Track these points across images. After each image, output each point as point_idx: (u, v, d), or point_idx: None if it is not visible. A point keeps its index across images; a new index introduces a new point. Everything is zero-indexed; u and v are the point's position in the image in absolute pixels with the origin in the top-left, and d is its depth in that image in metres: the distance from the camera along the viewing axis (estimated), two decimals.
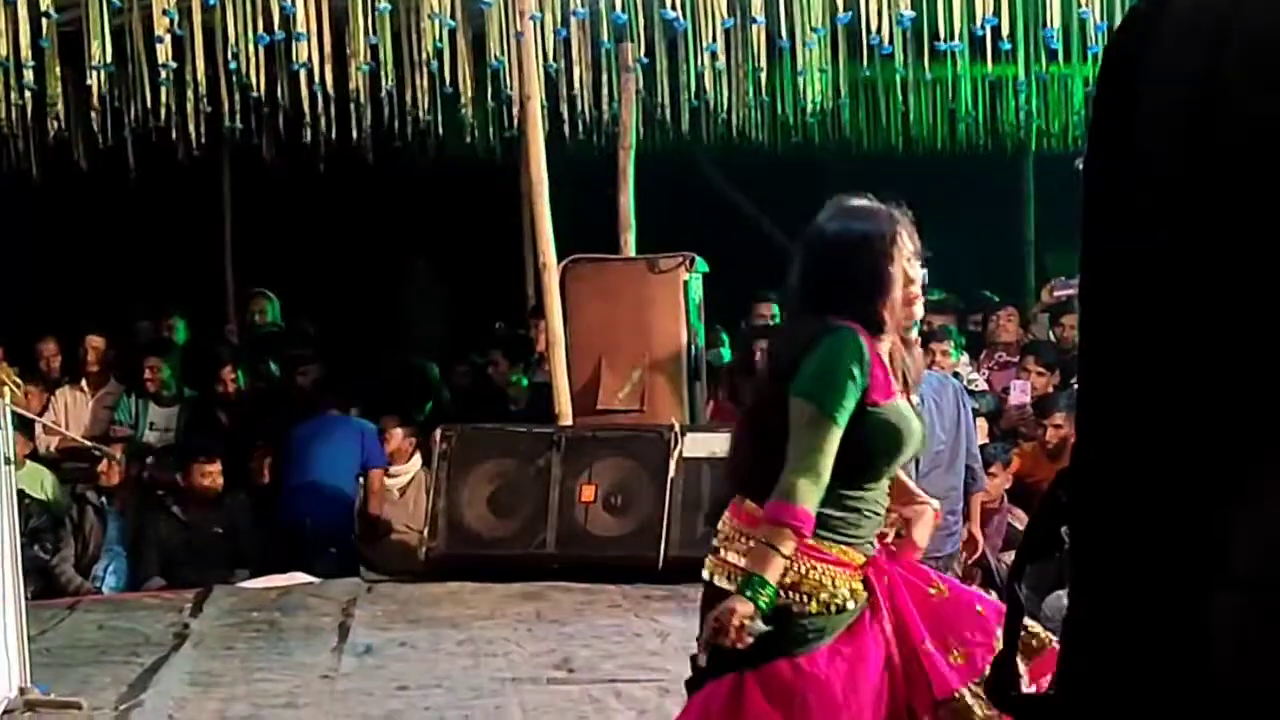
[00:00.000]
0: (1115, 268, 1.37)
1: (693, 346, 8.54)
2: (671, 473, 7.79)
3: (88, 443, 8.71)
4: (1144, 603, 1.33)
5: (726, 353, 10.23)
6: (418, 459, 9.10)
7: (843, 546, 3.44)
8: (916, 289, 3.57)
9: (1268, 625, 1.25)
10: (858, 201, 3.65)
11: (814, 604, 3.40)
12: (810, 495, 3.34)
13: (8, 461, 5.66)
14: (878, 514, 3.53)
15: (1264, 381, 1.27)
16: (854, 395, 3.38)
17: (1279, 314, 1.26)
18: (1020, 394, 8.64)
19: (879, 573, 3.48)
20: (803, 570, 3.39)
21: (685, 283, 8.52)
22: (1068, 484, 1.43)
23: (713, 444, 7.80)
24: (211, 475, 8.56)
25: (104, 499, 8.78)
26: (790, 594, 3.38)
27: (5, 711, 5.40)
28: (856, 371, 3.38)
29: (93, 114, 9.68)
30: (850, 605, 3.42)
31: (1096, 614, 1.38)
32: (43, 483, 8.88)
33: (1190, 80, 1.31)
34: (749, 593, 3.30)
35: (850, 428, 3.38)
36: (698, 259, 8.66)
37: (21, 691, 5.56)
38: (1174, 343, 1.33)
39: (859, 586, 3.45)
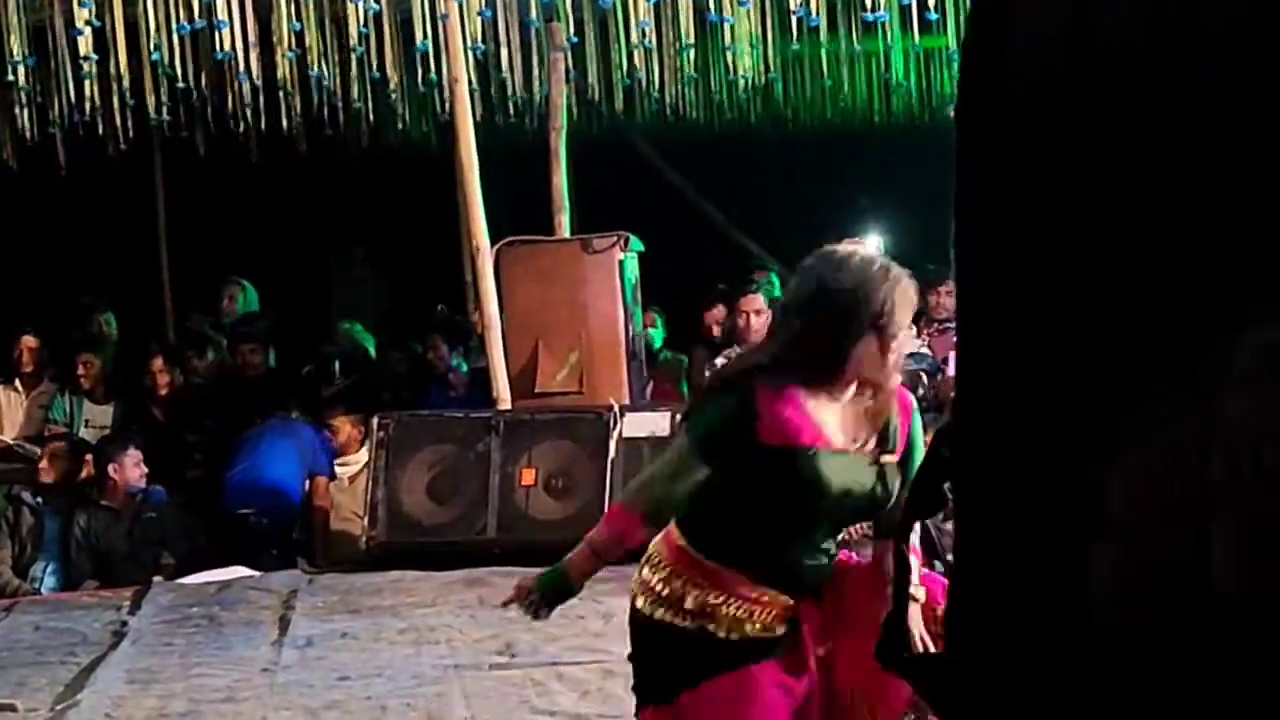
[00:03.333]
0: (985, 220, 1.35)
1: (630, 326, 8.51)
2: (612, 454, 7.75)
3: (11, 441, 8.59)
4: (1025, 556, 1.31)
5: (659, 335, 10.22)
6: (367, 448, 9.05)
7: (755, 583, 3.43)
8: (895, 355, 3.42)
9: (1143, 572, 1.23)
10: (854, 255, 3.51)
11: (720, 630, 3.41)
12: (632, 494, 3.55)
13: None
14: (812, 563, 3.49)
15: (1134, 330, 1.25)
16: (724, 422, 3.39)
17: (1143, 262, 1.25)
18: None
19: (810, 618, 3.46)
20: (710, 599, 3.39)
21: (620, 262, 8.48)
22: (950, 440, 1.41)
23: (653, 423, 7.79)
24: (126, 468, 8.44)
25: (39, 499, 8.67)
26: (692, 619, 3.42)
27: None
28: (731, 402, 3.40)
29: (16, 110, 9.56)
30: (759, 634, 3.43)
31: (980, 570, 1.36)
32: None
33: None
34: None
35: (739, 461, 3.38)
36: (633, 238, 8.63)
37: None
38: (1044, 292, 1.31)
39: (774, 624, 3.44)
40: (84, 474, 8.75)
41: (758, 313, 8.54)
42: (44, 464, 8.69)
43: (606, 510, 3.46)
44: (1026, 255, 1.31)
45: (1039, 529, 1.31)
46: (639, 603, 3.52)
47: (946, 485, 1.45)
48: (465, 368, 9.76)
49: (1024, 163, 1.30)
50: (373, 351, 10.87)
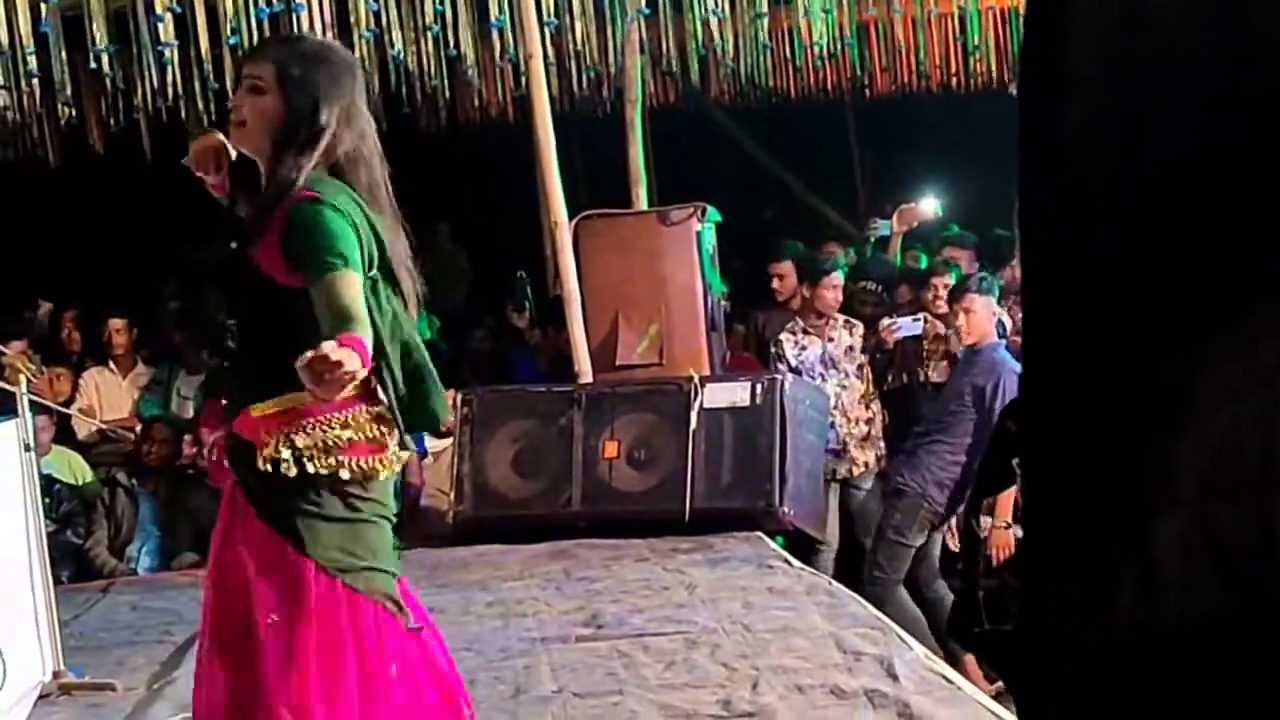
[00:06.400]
0: (1049, 193, 1.36)
1: (708, 297, 8.52)
2: (693, 425, 7.78)
3: (104, 425, 8.74)
4: (1092, 531, 1.32)
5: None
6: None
7: None
8: None
9: (1208, 547, 1.24)
10: None
11: None
12: None
13: (28, 448, 5.69)
14: None
15: (1200, 303, 1.26)
16: None
17: (1205, 235, 1.25)
18: None
19: None
20: None
21: (698, 233, 8.49)
22: (1017, 416, 1.42)
23: (732, 394, 7.80)
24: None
25: (134, 480, 8.82)
26: None
27: (40, 695, 5.45)
28: None
29: (102, 97, 9.70)
30: None
31: (1047, 544, 1.37)
32: (70, 465, 8.92)
33: None
34: None
35: None
36: (710, 209, 8.63)
37: (55, 675, 5.61)
38: (1110, 265, 1.32)
39: None
40: (185, 454, 8.89)
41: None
42: (146, 445, 8.85)
43: None
44: (1090, 227, 1.31)
45: (1105, 503, 1.31)
46: None
47: (1014, 461, 1.46)
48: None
49: (1085, 136, 1.31)
50: (429, 333, 10.89)
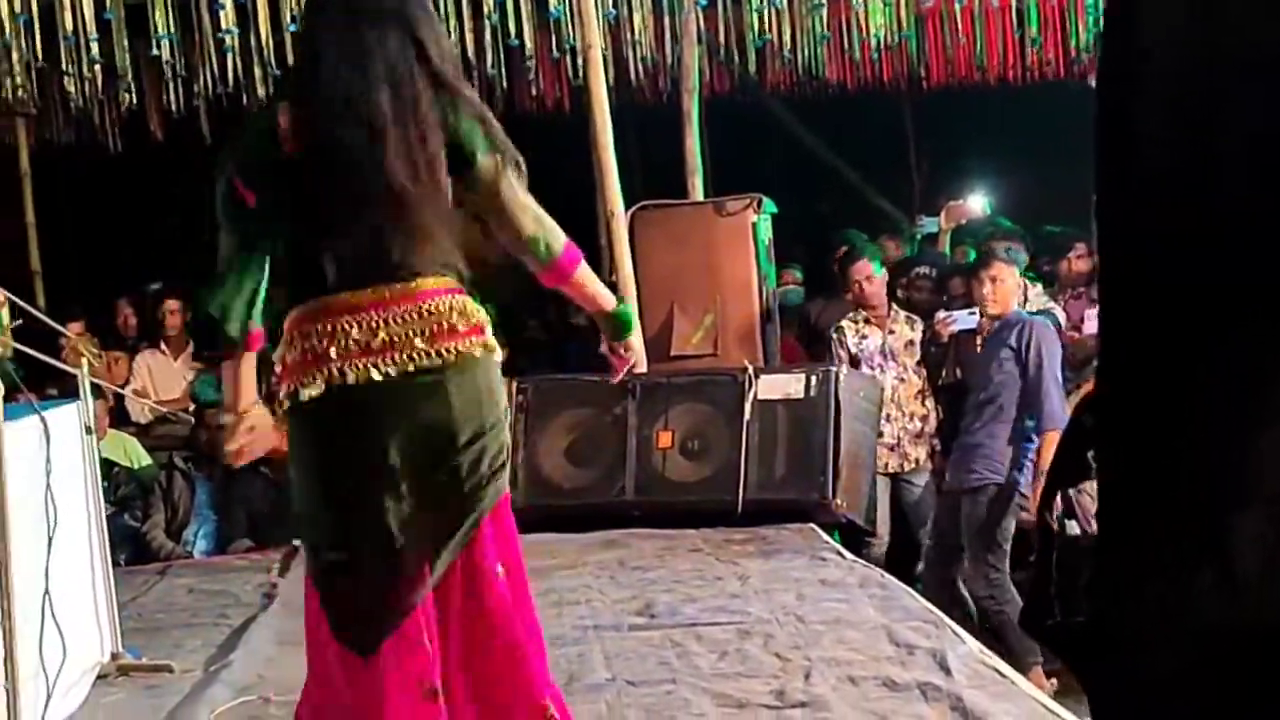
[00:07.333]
0: (1128, 188, 1.35)
1: (763, 288, 8.52)
2: (747, 416, 7.77)
3: (161, 409, 8.81)
4: (1169, 526, 1.32)
5: (799, 293, 10.19)
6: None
7: None
8: None
9: None
10: None
11: None
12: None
13: (89, 431, 5.74)
14: None
15: None
16: None
17: None
18: (1095, 323, 8.54)
19: None
20: None
21: (754, 224, 8.49)
22: (1093, 409, 1.41)
23: (787, 385, 7.80)
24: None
25: (190, 464, 8.90)
26: None
27: (99, 676, 5.50)
28: None
29: (163, 84, 9.78)
30: None
31: (1123, 538, 1.37)
32: (125, 449, 9.00)
33: None
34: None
35: None
36: (766, 200, 8.62)
37: (114, 656, 5.66)
38: (1190, 261, 1.31)
39: None
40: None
41: (869, 279, 8.54)
42: (200, 431, 8.92)
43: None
44: (1171, 222, 1.31)
45: (1183, 498, 1.31)
46: None
47: (1090, 454, 1.46)
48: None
49: (1165, 131, 1.30)
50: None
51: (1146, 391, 1.35)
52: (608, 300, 3.69)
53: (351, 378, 3.29)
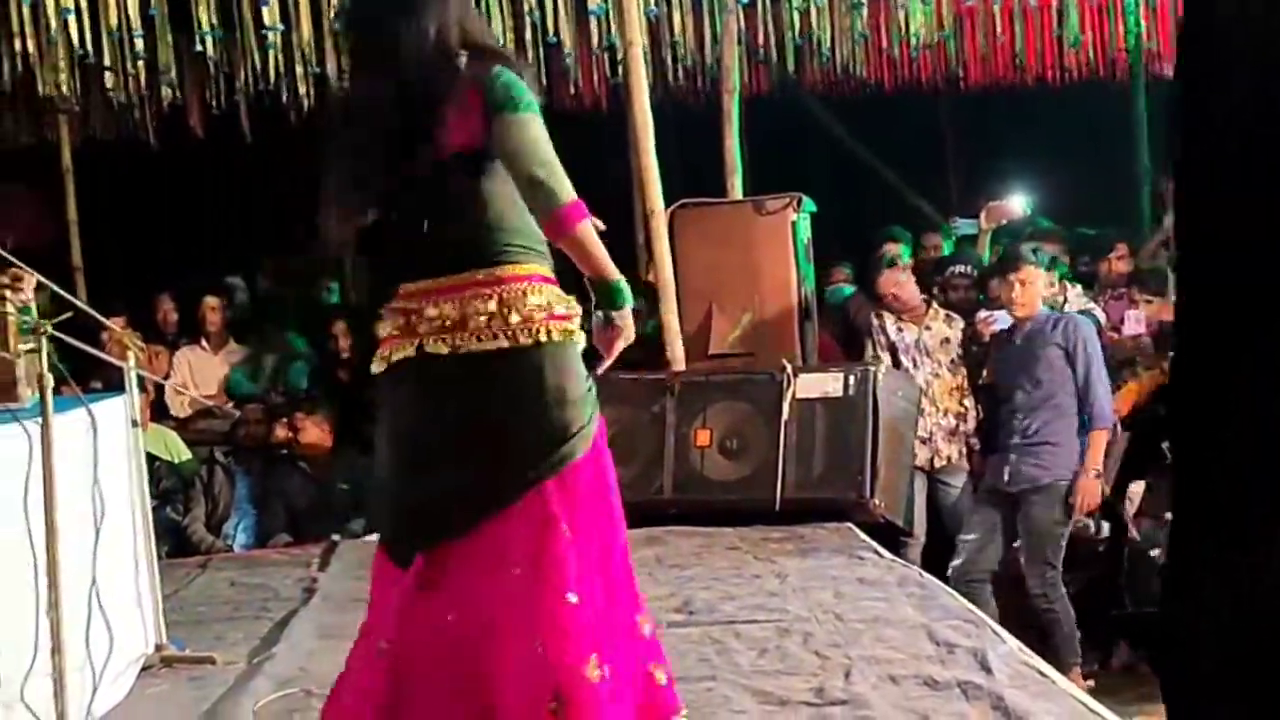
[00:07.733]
0: (1211, 182, 1.35)
1: (802, 288, 8.52)
2: (785, 415, 7.78)
3: (208, 402, 8.86)
4: (1242, 517, 1.32)
5: (848, 290, 10.16)
6: None
7: None
8: None
9: None
10: None
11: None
12: None
13: (135, 424, 5.79)
14: None
15: None
16: None
17: None
18: (1135, 324, 8.54)
19: None
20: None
21: (793, 224, 8.50)
22: (1167, 398, 1.42)
23: (825, 384, 7.80)
24: (309, 429, 8.68)
25: (231, 458, 8.95)
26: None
27: (144, 667, 5.54)
28: None
29: (204, 80, 9.82)
30: None
31: (1196, 528, 1.37)
32: (166, 443, 9.06)
33: None
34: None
35: None
36: (805, 199, 8.62)
37: (158, 648, 5.71)
38: (1266, 257, 1.31)
39: None
40: (278, 435, 9.00)
41: (898, 286, 8.57)
42: (239, 427, 8.98)
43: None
44: (1251, 219, 1.31)
45: (1256, 490, 1.31)
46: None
47: (1165, 445, 1.46)
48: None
49: (1248, 128, 1.31)
50: None
51: (1222, 384, 1.35)
52: (608, 269, 3.71)
53: (430, 349, 3.68)
